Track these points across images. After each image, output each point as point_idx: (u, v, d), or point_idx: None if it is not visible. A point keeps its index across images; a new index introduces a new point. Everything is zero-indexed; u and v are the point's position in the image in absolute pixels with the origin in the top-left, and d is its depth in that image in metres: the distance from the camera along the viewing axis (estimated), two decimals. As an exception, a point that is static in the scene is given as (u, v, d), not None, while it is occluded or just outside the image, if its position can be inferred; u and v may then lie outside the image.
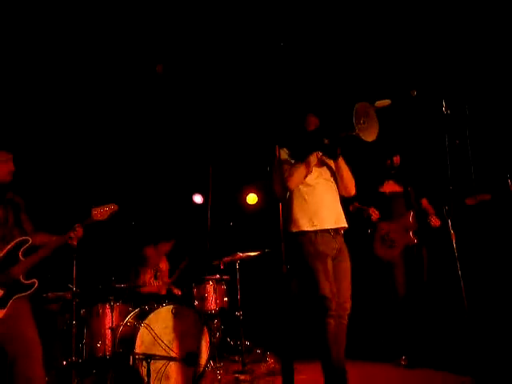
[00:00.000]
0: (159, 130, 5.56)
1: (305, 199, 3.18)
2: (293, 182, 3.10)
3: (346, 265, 3.19)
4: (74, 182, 5.30)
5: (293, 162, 3.18)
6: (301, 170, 3.11)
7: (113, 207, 3.11)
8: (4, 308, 2.66)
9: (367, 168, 4.71)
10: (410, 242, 4.28)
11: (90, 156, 5.43)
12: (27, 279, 2.81)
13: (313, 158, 3.13)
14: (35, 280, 2.83)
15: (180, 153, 5.86)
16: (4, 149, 2.91)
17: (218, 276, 4.69)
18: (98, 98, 4.96)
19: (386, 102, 3.14)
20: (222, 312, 4.58)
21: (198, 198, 6.31)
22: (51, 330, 4.13)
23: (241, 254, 4.66)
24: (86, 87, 4.82)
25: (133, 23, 4.11)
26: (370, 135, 2.79)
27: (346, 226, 3.25)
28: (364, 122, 2.77)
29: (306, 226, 3.12)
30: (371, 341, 4.59)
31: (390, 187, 4.55)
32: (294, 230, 3.14)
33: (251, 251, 4.68)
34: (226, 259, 4.71)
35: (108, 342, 3.96)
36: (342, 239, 3.25)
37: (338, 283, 3.06)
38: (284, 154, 3.25)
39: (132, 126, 5.42)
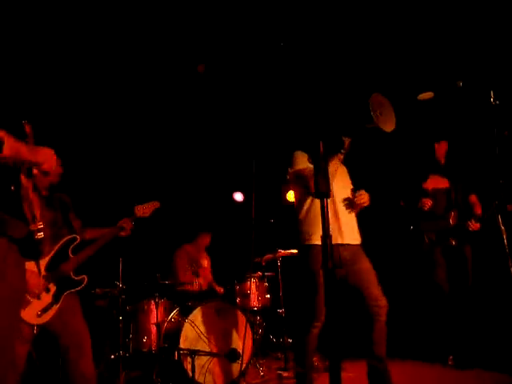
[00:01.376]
0: (202, 128, 5.62)
1: (311, 210, 3.00)
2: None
3: (366, 265, 2.99)
4: (116, 181, 5.43)
5: (307, 168, 2.96)
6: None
7: (155, 204, 3.20)
8: (57, 303, 2.77)
9: (410, 162, 4.57)
10: (449, 243, 4.15)
11: (132, 154, 5.56)
12: (77, 275, 2.91)
13: (335, 161, 2.89)
14: (85, 276, 2.94)
15: (221, 150, 5.90)
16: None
17: (259, 273, 4.71)
18: (141, 97, 5.06)
19: (429, 94, 3.03)
20: (265, 309, 4.59)
21: (238, 196, 6.34)
22: (99, 324, 4.27)
23: (282, 252, 4.66)
24: (129, 87, 4.92)
25: (173, 23, 4.17)
26: (388, 125, 2.67)
27: (358, 242, 3.06)
28: (380, 113, 2.64)
29: (311, 239, 2.95)
30: (419, 340, 4.48)
31: (433, 183, 4.34)
32: (307, 242, 2.96)
33: (292, 248, 4.67)
34: (268, 257, 4.72)
35: (153, 337, 4.05)
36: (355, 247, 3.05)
37: (363, 284, 2.91)
38: (302, 157, 3.05)
39: (174, 124, 5.50)
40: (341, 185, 3.09)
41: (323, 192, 1.68)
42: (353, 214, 3.09)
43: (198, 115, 5.39)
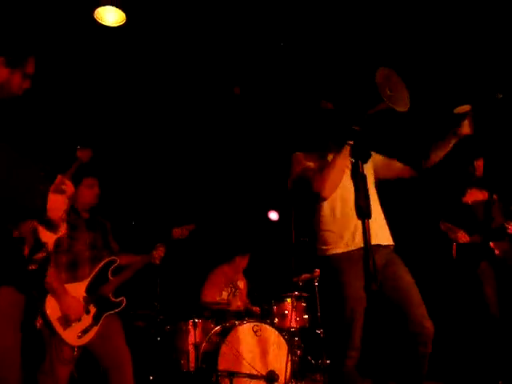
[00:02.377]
0: (236, 148, 5.67)
1: (331, 215, 2.52)
2: (328, 188, 2.42)
3: (405, 275, 2.48)
4: (154, 203, 5.54)
5: (313, 164, 2.56)
6: (335, 171, 2.42)
7: (192, 227, 3.27)
8: (97, 325, 2.83)
9: (448, 177, 4.46)
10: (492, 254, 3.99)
11: (168, 177, 5.66)
12: (116, 297, 2.96)
13: (345, 151, 2.41)
14: (123, 297, 2.98)
15: (256, 170, 5.93)
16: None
17: (297, 293, 4.65)
18: (174, 118, 5.17)
19: (467, 107, 2.94)
20: (303, 330, 4.52)
21: (273, 215, 6.32)
22: (138, 345, 4.31)
23: (319, 271, 4.60)
24: (163, 109, 5.05)
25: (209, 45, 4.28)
26: (401, 104, 2.32)
27: (392, 243, 2.56)
28: (391, 90, 2.32)
29: (336, 247, 2.47)
30: (466, 364, 4.29)
31: (473, 196, 4.24)
32: (322, 253, 2.51)
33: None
34: (305, 276, 4.66)
35: (191, 357, 4.05)
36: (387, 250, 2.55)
37: (402, 300, 2.40)
38: (300, 159, 2.63)
39: (209, 146, 5.58)
40: (369, 178, 2.55)
41: (364, 212, 1.64)
42: (380, 210, 2.60)
43: (233, 135, 5.46)
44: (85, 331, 2.76)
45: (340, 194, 2.50)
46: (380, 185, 2.76)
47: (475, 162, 4.25)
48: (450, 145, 2.58)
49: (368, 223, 2.18)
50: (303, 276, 4.68)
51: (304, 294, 4.68)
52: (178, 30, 4.09)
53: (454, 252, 4.15)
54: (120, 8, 3.89)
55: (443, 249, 4.35)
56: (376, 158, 2.70)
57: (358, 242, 2.39)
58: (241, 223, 6.03)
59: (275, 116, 4.91)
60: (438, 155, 2.61)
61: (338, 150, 2.42)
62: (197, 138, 5.45)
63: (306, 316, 4.55)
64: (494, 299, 3.96)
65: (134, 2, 3.84)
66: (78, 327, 2.74)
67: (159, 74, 4.57)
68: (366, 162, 2.19)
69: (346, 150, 2.38)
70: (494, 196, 4.20)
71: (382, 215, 2.61)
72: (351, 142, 2.31)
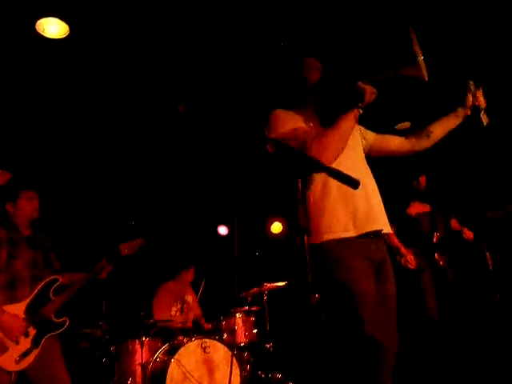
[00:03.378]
0: (184, 164, 5.65)
1: (335, 189, 2.09)
2: (332, 154, 1.99)
3: (392, 287, 2.18)
4: (100, 219, 5.39)
5: (304, 125, 2.17)
6: (341, 133, 2.03)
7: (140, 242, 3.20)
8: (37, 347, 2.70)
9: (392, 190, 4.66)
10: (436, 264, 4.20)
11: (114, 192, 5.54)
12: (58, 317, 2.85)
13: (355, 113, 2.05)
14: (66, 318, 2.87)
15: (204, 185, 5.92)
16: (29, 187, 3.01)
17: (246, 308, 4.65)
18: (119, 134, 5.09)
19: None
20: (252, 344, 4.51)
21: (222, 230, 6.32)
22: (82, 367, 4.15)
23: (268, 285, 4.63)
24: (109, 125, 4.96)
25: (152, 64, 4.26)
26: (426, 72, 2.03)
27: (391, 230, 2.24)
28: (421, 55, 2.01)
29: (340, 230, 2.07)
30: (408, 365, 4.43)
31: (416, 208, 4.49)
32: (324, 238, 2.06)
33: (279, 281, 4.64)
34: (254, 291, 4.68)
35: (138, 378, 3.93)
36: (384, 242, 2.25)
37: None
38: (286, 117, 2.19)
39: (156, 161, 5.52)
40: (359, 153, 2.31)
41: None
42: (377, 189, 2.26)
43: (181, 149, 5.43)
44: (24, 355, 2.63)
45: (336, 164, 2.04)
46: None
47: (419, 178, 4.48)
48: (459, 119, 2.40)
49: (367, 194, 2.09)
50: (252, 290, 4.68)
51: (254, 308, 4.68)
52: (124, 44, 4.05)
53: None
54: (63, 20, 3.82)
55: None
56: (368, 135, 2.43)
57: (360, 227, 2.07)
58: (186, 237, 5.98)
59: (222, 133, 4.93)
60: (443, 130, 2.41)
61: (345, 111, 2.06)
62: (144, 152, 5.38)
63: (255, 330, 4.55)
64: (434, 305, 4.17)
65: (79, 14, 3.77)
66: (15, 351, 2.61)
67: (103, 87, 4.49)
68: None
69: (356, 113, 2.05)
70: (436, 209, 4.45)
71: (379, 196, 2.26)
72: (361, 105, 2.04)
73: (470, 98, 2.34)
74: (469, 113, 2.37)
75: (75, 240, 4.84)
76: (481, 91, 2.36)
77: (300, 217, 1.73)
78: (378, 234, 2.13)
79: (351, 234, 2.05)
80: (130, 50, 4.13)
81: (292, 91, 2.30)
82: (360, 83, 2.01)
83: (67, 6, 3.70)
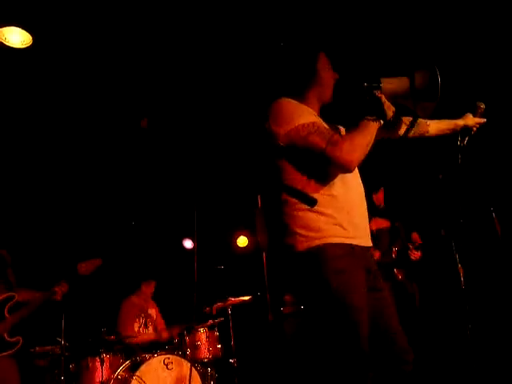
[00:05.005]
0: (146, 177, 5.60)
1: (331, 196, 1.93)
2: (357, 160, 1.87)
3: (387, 294, 2.04)
4: (59, 238, 5.27)
5: (318, 120, 1.99)
6: (369, 139, 1.88)
7: (97, 262, 3.16)
8: (-12, 368, 2.60)
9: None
10: (395, 278, 4.28)
11: (74, 208, 5.43)
12: (12, 336, 2.75)
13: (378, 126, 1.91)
14: (20, 337, 2.78)
15: (167, 199, 5.88)
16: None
17: (210, 322, 4.61)
18: (80, 149, 5.01)
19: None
20: (216, 360, 4.47)
21: (188, 243, 6.25)
22: (40, 386, 4.00)
23: (233, 299, 4.60)
24: (67, 139, 4.87)
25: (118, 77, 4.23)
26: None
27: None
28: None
29: (344, 236, 1.90)
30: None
31: (376, 224, 4.56)
32: (312, 244, 1.86)
33: (243, 296, 4.62)
34: (218, 305, 4.64)
35: (98, 397, 3.83)
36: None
37: (386, 324, 1.93)
38: (300, 109, 1.98)
39: (117, 175, 5.45)
40: None
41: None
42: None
43: (143, 161, 5.38)
44: (-26, 376, 2.53)
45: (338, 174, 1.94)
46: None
47: (373, 194, 4.55)
48: (452, 131, 2.32)
49: (362, 202, 1.97)
50: (216, 305, 4.65)
51: (217, 320, 4.63)
52: (88, 54, 4.01)
53: None
54: (26, 29, 3.75)
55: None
56: None
57: (360, 238, 1.95)
58: (147, 250, 5.91)
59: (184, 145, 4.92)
60: (437, 133, 2.33)
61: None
62: (105, 167, 5.30)
63: (219, 346, 4.51)
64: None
65: (42, 23, 3.71)
66: (-35, 372, 2.50)
67: (64, 98, 4.42)
68: None
69: (379, 125, 1.91)
70: (396, 223, 4.54)
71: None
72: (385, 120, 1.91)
73: (475, 119, 2.30)
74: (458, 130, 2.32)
75: (32, 256, 4.71)
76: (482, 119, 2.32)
77: (259, 231, 1.71)
78: (369, 248, 2.04)
79: (355, 241, 1.91)
80: (94, 60, 4.09)
81: (294, 80, 2.10)
82: (381, 95, 1.90)
83: (30, 16, 3.65)
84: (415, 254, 4.27)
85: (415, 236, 4.55)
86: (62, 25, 3.73)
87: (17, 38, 3.85)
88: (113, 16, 3.68)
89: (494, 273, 4.44)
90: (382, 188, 4.56)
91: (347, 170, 1.88)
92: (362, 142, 1.86)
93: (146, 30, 3.80)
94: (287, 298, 4.64)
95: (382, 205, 4.58)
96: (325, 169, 1.91)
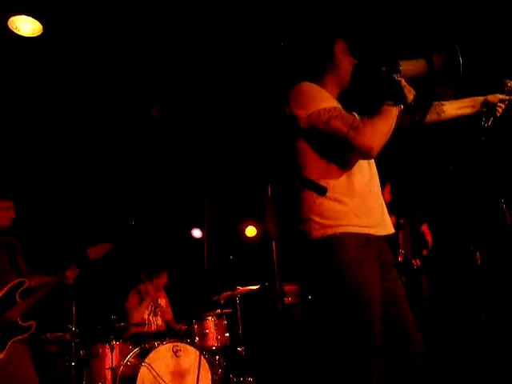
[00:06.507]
0: (155, 166, 5.61)
1: (348, 183, 1.89)
2: (380, 145, 1.83)
3: (401, 285, 1.98)
4: (69, 222, 5.31)
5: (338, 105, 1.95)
6: (391, 124, 1.84)
7: (107, 246, 3.17)
8: (2, 351, 2.64)
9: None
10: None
11: (84, 195, 5.47)
12: (25, 321, 2.79)
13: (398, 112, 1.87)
14: (33, 322, 2.82)
15: (177, 187, 5.89)
16: (3, 195, 2.96)
17: (218, 311, 4.64)
18: (89, 136, 5.03)
19: None
20: (224, 348, 4.50)
21: (196, 233, 6.27)
22: (50, 372, 4.07)
23: (241, 289, 4.63)
24: (78, 127, 4.89)
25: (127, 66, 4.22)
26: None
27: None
28: None
29: (353, 224, 1.84)
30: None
31: None
32: (328, 232, 1.81)
33: (252, 285, 4.64)
34: (226, 294, 4.67)
35: (108, 382, 3.88)
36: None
37: (399, 314, 1.90)
38: (322, 93, 1.95)
39: (126, 163, 5.47)
40: None
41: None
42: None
43: (153, 150, 5.39)
44: (-13, 360, 2.57)
45: (356, 160, 1.91)
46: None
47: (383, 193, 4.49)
48: (473, 110, 2.22)
49: (378, 189, 1.92)
50: (225, 294, 4.68)
51: (226, 311, 4.67)
52: (97, 44, 4.01)
53: None
54: (37, 19, 3.76)
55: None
56: None
57: (377, 227, 1.89)
58: (158, 240, 5.94)
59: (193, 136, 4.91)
60: (456, 114, 2.23)
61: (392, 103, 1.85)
62: (115, 155, 5.32)
63: (227, 334, 4.55)
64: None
65: (52, 13, 3.72)
66: (-22, 356, 2.55)
67: (75, 88, 4.43)
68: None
69: (399, 110, 1.87)
70: (401, 221, 4.46)
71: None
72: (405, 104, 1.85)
73: (497, 95, 2.18)
74: (485, 109, 2.20)
75: (43, 243, 4.75)
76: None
77: (268, 220, 1.71)
78: (388, 237, 1.96)
79: (371, 231, 1.86)
80: (104, 49, 4.09)
81: (312, 66, 2.07)
82: (400, 78, 1.84)
83: (41, 5, 3.66)
84: (416, 264, 4.26)
85: (424, 227, 4.49)
86: (71, 14, 3.73)
87: (28, 27, 3.86)
88: (122, 5, 3.67)
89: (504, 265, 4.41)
90: (389, 183, 4.49)
91: (369, 155, 1.85)
92: (383, 127, 1.82)
93: (156, 17, 3.79)
94: (288, 288, 4.60)
95: (388, 201, 4.51)
96: (344, 154, 1.87)
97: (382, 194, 2.02)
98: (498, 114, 2.19)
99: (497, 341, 3.63)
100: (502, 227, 3.05)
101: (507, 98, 2.18)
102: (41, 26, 3.80)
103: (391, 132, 1.84)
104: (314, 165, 1.89)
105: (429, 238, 4.43)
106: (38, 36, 3.84)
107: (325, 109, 1.85)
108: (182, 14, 3.77)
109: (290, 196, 1.93)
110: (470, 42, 2.92)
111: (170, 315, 5.13)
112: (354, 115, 2.05)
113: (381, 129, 1.82)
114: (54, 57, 4.14)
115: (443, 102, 2.19)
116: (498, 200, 2.94)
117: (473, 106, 2.20)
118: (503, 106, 2.18)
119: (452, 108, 2.20)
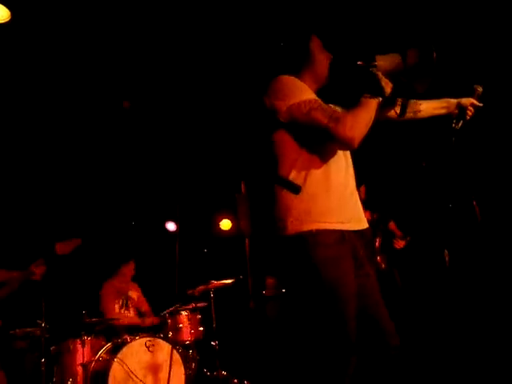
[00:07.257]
0: (129, 159, 5.53)
1: (325, 177, 1.89)
2: (361, 137, 1.83)
3: (374, 279, 2.00)
4: (37, 217, 5.19)
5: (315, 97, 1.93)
6: (371, 115, 1.85)
7: (76, 242, 3.12)
8: (-34, 350, 2.57)
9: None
10: (378, 267, 4.34)
11: (53, 188, 5.34)
12: (-10, 319, 2.72)
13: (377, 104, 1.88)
14: (-1, 319, 2.75)
15: (151, 181, 5.83)
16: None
17: (192, 305, 4.62)
18: (59, 127, 4.91)
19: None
20: (198, 342, 4.49)
21: (171, 226, 6.20)
22: (20, 368, 3.99)
23: (215, 282, 4.61)
24: (46, 118, 4.76)
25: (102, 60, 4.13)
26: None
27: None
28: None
29: (329, 221, 1.83)
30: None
31: None
32: (304, 228, 1.81)
33: (226, 279, 4.63)
34: (200, 288, 4.64)
35: (79, 379, 3.82)
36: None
37: (373, 309, 1.91)
38: (302, 85, 1.95)
39: (98, 156, 5.37)
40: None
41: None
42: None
43: (125, 143, 5.30)
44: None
45: (334, 153, 1.92)
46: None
47: (360, 188, 4.58)
48: (446, 111, 2.27)
49: (352, 183, 1.94)
50: (199, 288, 4.65)
51: (200, 305, 4.65)
52: (68, 32, 3.90)
53: None
54: (4, 4, 3.63)
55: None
56: None
57: (352, 222, 1.90)
58: (128, 233, 5.87)
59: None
60: (430, 113, 2.27)
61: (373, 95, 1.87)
62: (85, 147, 5.20)
63: (201, 328, 4.53)
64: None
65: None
66: None
67: (45, 77, 4.30)
68: None
69: (378, 103, 1.88)
70: (375, 215, 4.59)
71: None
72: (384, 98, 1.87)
73: (470, 99, 2.25)
74: (456, 112, 2.25)
75: (10, 238, 4.63)
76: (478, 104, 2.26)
77: (241, 217, 1.68)
78: (362, 231, 1.96)
79: (346, 226, 1.86)
80: (75, 38, 3.99)
81: (289, 63, 2.07)
82: (379, 73, 1.86)
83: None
84: (399, 243, 4.36)
85: (392, 226, 4.62)
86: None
87: (-5, 13, 3.72)
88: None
89: (474, 261, 4.51)
90: (364, 185, 4.59)
91: (350, 146, 1.85)
92: (363, 118, 1.83)
93: (129, 8, 3.71)
94: (269, 281, 4.66)
95: (363, 198, 4.63)
96: (322, 147, 1.88)
97: (358, 192, 2.03)
98: (468, 118, 2.25)
99: (467, 333, 3.73)
100: (471, 223, 3.12)
101: (479, 104, 2.25)
102: (9, 13, 3.67)
103: (371, 123, 1.85)
104: (291, 158, 1.88)
105: (398, 233, 4.55)
106: (6, 23, 3.72)
107: (305, 101, 1.84)
108: (154, 6, 3.70)
109: (266, 192, 1.92)
110: (444, 40, 2.96)
111: (145, 307, 5.07)
112: (334, 108, 2.04)
113: (361, 119, 1.82)
114: (22, 44, 4.01)
115: (420, 102, 2.21)
116: (468, 197, 3.00)
117: (447, 107, 2.26)
118: (473, 110, 2.25)
119: (428, 107, 2.24)
